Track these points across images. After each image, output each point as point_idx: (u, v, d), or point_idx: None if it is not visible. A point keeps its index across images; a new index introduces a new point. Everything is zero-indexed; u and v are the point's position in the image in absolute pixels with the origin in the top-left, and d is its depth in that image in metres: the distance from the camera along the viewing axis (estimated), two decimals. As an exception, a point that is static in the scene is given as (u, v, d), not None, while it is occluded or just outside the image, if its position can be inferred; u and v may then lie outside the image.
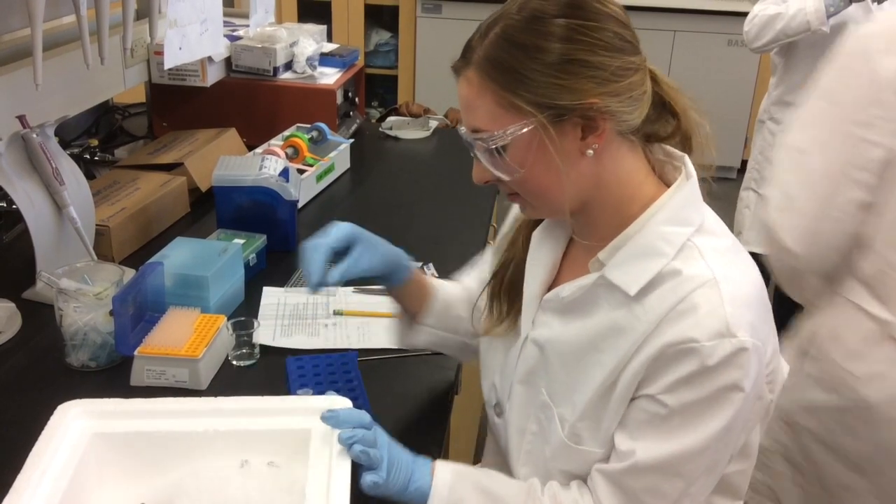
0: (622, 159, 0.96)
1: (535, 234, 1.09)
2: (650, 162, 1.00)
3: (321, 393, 1.21)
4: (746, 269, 0.96)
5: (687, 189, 0.96)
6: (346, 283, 1.12)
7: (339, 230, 1.11)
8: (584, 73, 0.89)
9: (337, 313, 1.47)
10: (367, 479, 0.94)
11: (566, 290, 1.01)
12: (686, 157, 0.99)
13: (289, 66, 2.25)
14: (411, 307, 1.22)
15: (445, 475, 0.99)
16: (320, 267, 1.07)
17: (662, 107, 0.99)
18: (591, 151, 0.92)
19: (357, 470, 0.95)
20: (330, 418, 0.97)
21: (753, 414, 0.98)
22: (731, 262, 0.94)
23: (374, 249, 1.13)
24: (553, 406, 1.01)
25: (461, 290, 1.25)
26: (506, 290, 1.11)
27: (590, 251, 1.00)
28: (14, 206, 1.41)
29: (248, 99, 2.19)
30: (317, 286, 1.07)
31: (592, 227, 1.00)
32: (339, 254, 1.10)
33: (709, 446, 0.91)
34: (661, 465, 0.92)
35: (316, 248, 1.08)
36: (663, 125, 1.00)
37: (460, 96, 0.96)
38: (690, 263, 0.92)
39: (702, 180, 0.99)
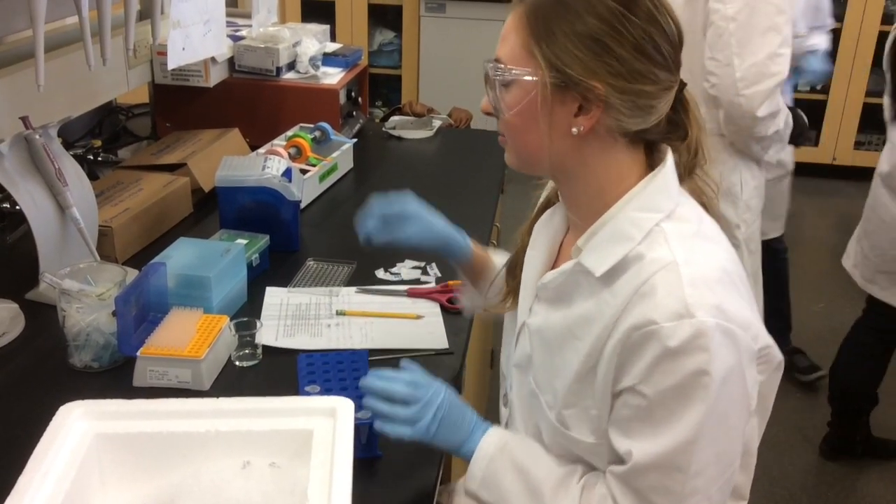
0: (612, 149, 0.98)
1: (537, 225, 1.14)
2: (647, 161, 1.01)
3: (329, 391, 1.22)
4: (712, 254, 0.97)
5: (661, 177, 0.98)
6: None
7: (396, 201, 1.27)
8: (602, 57, 0.92)
9: (339, 314, 1.47)
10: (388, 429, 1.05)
11: (549, 276, 1.04)
12: (669, 148, 1.00)
13: (292, 66, 2.25)
14: (472, 280, 1.35)
15: (490, 448, 1.06)
16: (367, 227, 1.26)
17: (676, 129, 1.01)
18: (575, 130, 0.95)
19: (358, 470, 0.95)
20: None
21: (750, 399, 0.97)
22: (695, 246, 0.95)
23: (426, 227, 1.27)
24: (539, 394, 1.05)
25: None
26: (510, 272, 1.20)
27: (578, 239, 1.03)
28: (17, 207, 1.42)
29: (251, 99, 2.19)
30: (364, 241, 1.27)
31: (576, 204, 1.04)
32: (398, 219, 1.26)
33: (699, 436, 0.91)
34: (659, 462, 0.92)
35: (370, 213, 1.26)
36: (673, 144, 1.02)
37: (504, 26, 0.99)
38: (654, 248, 0.94)
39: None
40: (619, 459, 0.97)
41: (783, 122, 1.97)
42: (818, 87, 4.43)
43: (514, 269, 1.18)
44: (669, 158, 0.99)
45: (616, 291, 0.95)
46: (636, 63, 0.92)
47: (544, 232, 1.12)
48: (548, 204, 1.15)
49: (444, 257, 1.32)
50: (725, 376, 0.90)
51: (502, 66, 0.97)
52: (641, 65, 0.93)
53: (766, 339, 0.99)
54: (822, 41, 2.66)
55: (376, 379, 1.07)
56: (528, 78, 0.95)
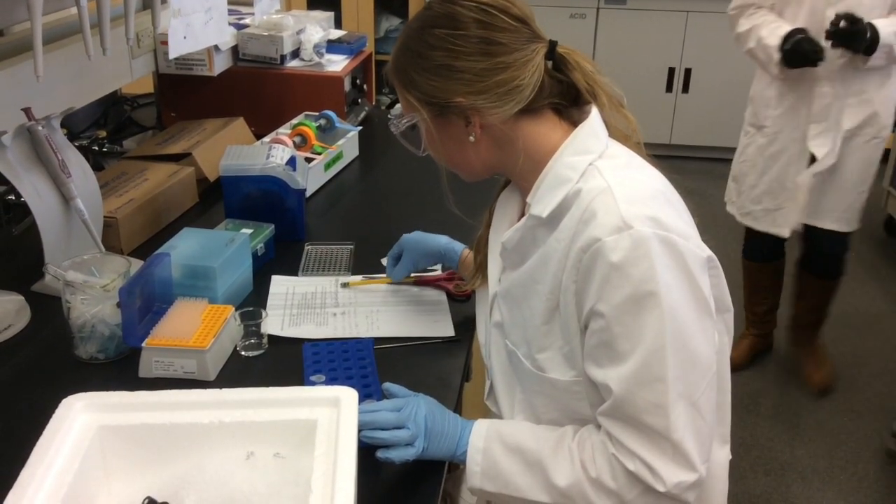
0: (520, 130, 1.06)
1: (497, 205, 1.23)
2: (571, 119, 1.08)
3: (334, 379, 1.23)
4: (643, 177, 1.05)
5: (588, 126, 1.06)
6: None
7: (397, 244, 1.49)
8: (452, 77, 1.04)
9: (344, 286, 1.50)
10: (393, 455, 1.05)
11: (506, 235, 1.12)
12: (592, 104, 1.08)
13: (296, 53, 2.24)
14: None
15: (478, 441, 1.09)
16: (390, 268, 1.50)
17: (566, 86, 1.07)
18: (472, 138, 1.07)
19: (362, 462, 0.94)
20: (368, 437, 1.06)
21: (708, 302, 0.99)
22: (626, 173, 1.03)
23: (418, 252, 1.46)
24: (516, 350, 1.11)
25: None
26: (476, 249, 1.29)
27: None
28: (22, 199, 1.41)
29: (255, 88, 2.18)
30: (394, 280, 1.51)
31: (522, 178, 1.12)
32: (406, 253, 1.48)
33: (664, 343, 0.95)
34: (635, 383, 0.96)
35: (388, 257, 1.51)
36: (569, 96, 1.09)
37: None
38: (590, 181, 1.02)
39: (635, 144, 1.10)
40: (602, 399, 1.00)
41: None
42: None
43: (481, 247, 1.26)
44: (594, 110, 1.07)
45: (563, 228, 1.02)
46: (478, 64, 1.03)
47: (506, 208, 1.20)
48: (507, 185, 1.23)
49: (447, 263, 1.48)
50: (672, 282, 0.95)
51: (396, 118, 1.13)
52: (485, 64, 1.03)
53: (708, 251, 1.03)
54: None
55: (362, 414, 1.06)
56: (414, 121, 1.10)
